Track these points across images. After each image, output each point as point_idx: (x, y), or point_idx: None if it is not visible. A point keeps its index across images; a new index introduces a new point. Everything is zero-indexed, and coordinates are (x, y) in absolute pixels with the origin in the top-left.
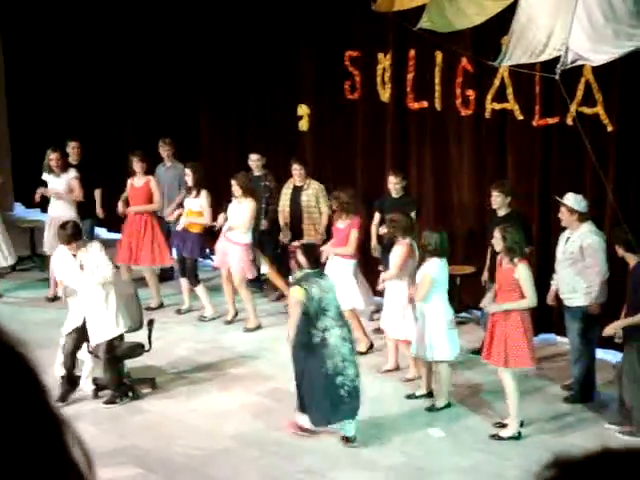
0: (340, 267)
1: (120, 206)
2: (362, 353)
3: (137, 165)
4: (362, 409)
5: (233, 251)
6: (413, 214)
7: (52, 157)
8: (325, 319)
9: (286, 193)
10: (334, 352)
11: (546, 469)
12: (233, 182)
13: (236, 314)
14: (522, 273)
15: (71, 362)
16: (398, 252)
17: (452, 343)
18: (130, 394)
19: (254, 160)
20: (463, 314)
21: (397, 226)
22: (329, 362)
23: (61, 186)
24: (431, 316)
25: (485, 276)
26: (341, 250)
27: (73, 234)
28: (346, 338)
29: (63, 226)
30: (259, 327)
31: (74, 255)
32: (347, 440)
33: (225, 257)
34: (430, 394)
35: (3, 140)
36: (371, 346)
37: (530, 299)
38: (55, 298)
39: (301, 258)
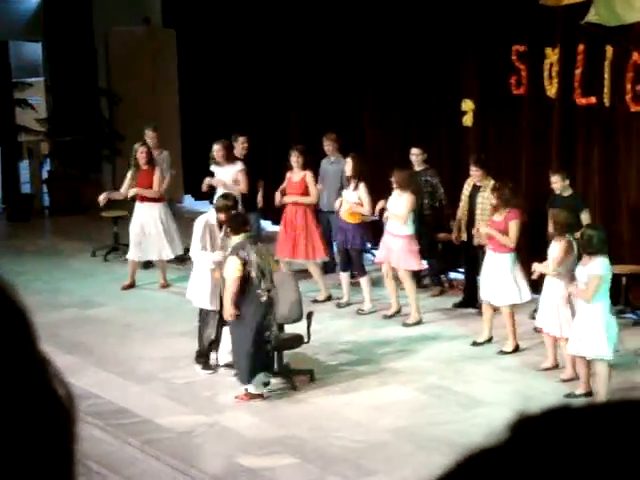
0: (497, 261)
1: (277, 197)
2: (506, 353)
3: (294, 159)
4: (520, 408)
5: (396, 243)
6: (586, 213)
7: (215, 148)
8: (266, 281)
9: (466, 190)
10: (274, 309)
11: (507, 426)
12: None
13: (399, 311)
14: None
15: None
16: (557, 248)
17: (611, 342)
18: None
19: (415, 154)
20: (629, 315)
21: (557, 223)
22: (268, 317)
23: (227, 177)
24: (592, 313)
25: None
26: (504, 239)
27: (231, 206)
28: (277, 299)
29: (226, 196)
30: (420, 322)
31: (220, 225)
32: (251, 397)
33: (388, 252)
34: (589, 394)
35: (174, 133)
36: (517, 347)
37: None
38: None
39: (228, 228)
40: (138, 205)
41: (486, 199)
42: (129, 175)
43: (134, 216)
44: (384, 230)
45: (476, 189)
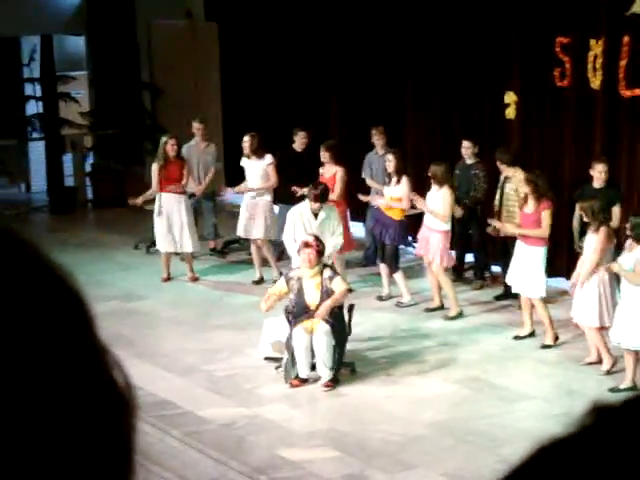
0: (530, 253)
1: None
2: (548, 346)
3: (324, 155)
4: (562, 404)
5: (432, 238)
6: (618, 206)
7: (244, 140)
8: None
9: (500, 182)
10: None
11: (584, 416)
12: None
13: (441, 307)
14: None
15: None
16: (596, 239)
17: None
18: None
19: (466, 147)
20: None
21: (592, 215)
22: None
23: (256, 171)
24: (637, 302)
25: None
26: (536, 232)
27: (323, 194)
28: None
29: (316, 186)
30: (460, 314)
31: (315, 215)
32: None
33: (426, 245)
34: (635, 388)
35: (216, 126)
36: (556, 338)
37: None
38: (261, 281)
39: (315, 254)
40: (165, 196)
41: (511, 190)
42: (155, 169)
43: (161, 208)
44: (422, 224)
45: (506, 179)
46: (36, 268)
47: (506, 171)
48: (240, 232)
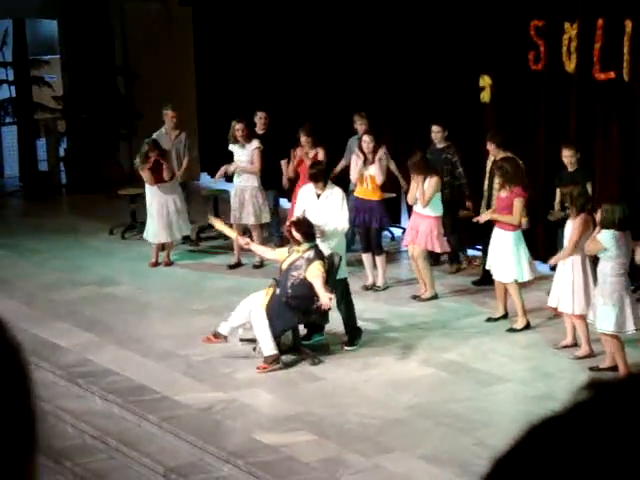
0: (501, 238)
1: (290, 173)
2: (516, 330)
3: (304, 139)
4: (538, 386)
5: (422, 225)
6: (588, 186)
7: (238, 127)
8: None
9: (487, 167)
10: None
11: (581, 391)
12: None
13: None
14: None
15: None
16: (575, 227)
17: (631, 316)
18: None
19: (435, 132)
20: None
21: (571, 201)
22: None
23: (245, 157)
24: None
25: None
26: (505, 219)
27: (319, 173)
28: None
29: (312, 166)
30: (435, 297)
31: (318, 195)
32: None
33: (415, 234)
34: (615, 368)
35: (191, 111)
36: (527, 325)
37: None
38: (237, 265)
39: (296, 234)
40: (156, 189)
41: None
42: (142, 172)
43: (156, 198)
44: (412, 212)
45: (494, 164)
46: None
47: (498, 154)
48: (232, 219)
